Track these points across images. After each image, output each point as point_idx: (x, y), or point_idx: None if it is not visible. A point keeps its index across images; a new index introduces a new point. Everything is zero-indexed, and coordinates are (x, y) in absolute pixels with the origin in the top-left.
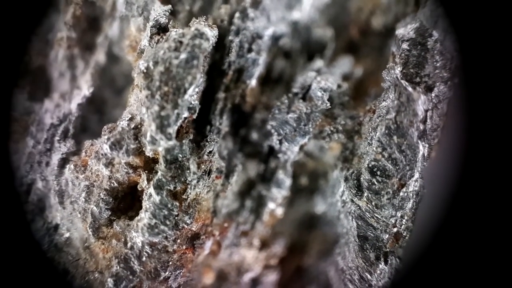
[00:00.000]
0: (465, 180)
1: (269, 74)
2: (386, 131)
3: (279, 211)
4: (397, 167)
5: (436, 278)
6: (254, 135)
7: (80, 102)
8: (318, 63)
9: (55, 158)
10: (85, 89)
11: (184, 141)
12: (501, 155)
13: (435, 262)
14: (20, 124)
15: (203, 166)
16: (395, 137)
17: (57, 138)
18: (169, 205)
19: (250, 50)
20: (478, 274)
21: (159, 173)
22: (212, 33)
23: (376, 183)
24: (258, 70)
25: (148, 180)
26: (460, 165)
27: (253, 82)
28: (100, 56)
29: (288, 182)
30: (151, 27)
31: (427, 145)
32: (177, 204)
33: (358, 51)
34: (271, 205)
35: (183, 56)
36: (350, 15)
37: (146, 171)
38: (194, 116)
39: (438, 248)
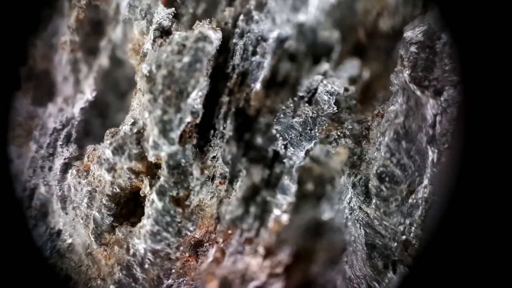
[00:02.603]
0: (464, 180)
1: (274, 77)
2: (395, 136)
3: (284, 218)
4: (406, 173)
5: (435, 278)
6: (259, 140)
7: (83, 106)
8: (325, 66)
9: (58, 163)
10: (88, 93)
11: (187, 146)
12: (501, 155)
13: (434, 262)
14: (24, 128)
15: (206, 172)
16: (403, 142)
17: (59, 142)
18: (172, 212)
19: (254, 53)
20: (478, 274)
21: (162, 178)
22: (216, 36)
23: (384, 189)
24: (262, 74)
25: (151, 185)
26: (459, 165)
27: (257, 86)
28: (103, 60)
29: (293, 188)
30: (154, 30)
31: (436, 151)
32: (180, 210)
33: (365, 54)
34: (276, 211)
35: (186, 59)
36: (357, 17)
37: (148, 177)
38: (198, 121)
39: (437, 248)
